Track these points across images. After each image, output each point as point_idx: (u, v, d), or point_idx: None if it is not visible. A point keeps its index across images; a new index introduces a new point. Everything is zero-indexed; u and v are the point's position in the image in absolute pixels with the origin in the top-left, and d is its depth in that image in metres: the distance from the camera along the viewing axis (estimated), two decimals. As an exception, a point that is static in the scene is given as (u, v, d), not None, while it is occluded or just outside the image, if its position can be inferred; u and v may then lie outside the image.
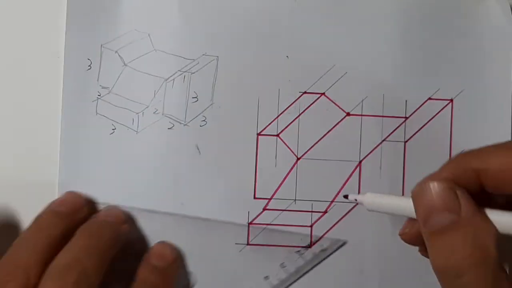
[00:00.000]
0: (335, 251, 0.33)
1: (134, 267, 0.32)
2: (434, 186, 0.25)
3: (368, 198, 0.29)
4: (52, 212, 0.31)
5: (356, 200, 0.30)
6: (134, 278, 0.31)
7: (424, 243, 0.26)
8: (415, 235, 0.28)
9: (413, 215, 0.27)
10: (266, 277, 0.34)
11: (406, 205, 0.27)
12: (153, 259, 0.32)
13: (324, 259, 0.33)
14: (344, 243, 0.33)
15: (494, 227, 0.25)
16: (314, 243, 0.34)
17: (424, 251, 0.29)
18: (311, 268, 0.33)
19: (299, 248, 0.34)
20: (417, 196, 0.26)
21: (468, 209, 0.25)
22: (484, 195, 0.26)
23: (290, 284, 0.34)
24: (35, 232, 0.30)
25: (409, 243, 0.29)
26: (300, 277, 0.34)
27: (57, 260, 0.28)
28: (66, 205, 0.32)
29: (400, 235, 0.30)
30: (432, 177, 0.26)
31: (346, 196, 0.31)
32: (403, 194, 0.34)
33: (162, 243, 0.33)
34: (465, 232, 0.24)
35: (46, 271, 0.27)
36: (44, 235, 0.29)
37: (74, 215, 0.31)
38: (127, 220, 0.33)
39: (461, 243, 0.24)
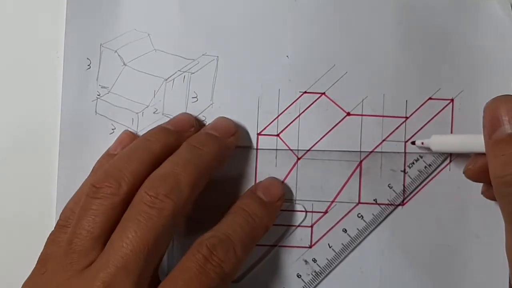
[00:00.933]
0: (439, 165, 0.33)
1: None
2: (505, 100, 0.26)
3: (434, 140, 0.32)
4: (160, 128, 0.32)
5: (422, 143, 0.32)
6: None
7: (486, 179, 0.27)
8: (478, 170, 0.30)
9: (478, 149, 0.29)
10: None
11: (470, 141, 0.30)
12: (259, 191, 0.32)
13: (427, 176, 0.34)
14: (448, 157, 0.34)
15: None
16: (314, 243, 0.34)
17: (486, 191, 0.31)
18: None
19: (302, 249, 0.34)
20: (488, 108, 0.27)
21: None
22: None
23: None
24: (137, 144, 0.31)
25: (472, 179, 0.31)
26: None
27: (156, 170, 0.29)
28: (175, 124, 0.32)
29: (464, 172, 0.31)
30: (506, 94, 0.27)
31: (413, 143, 0.33)
32: (403, 195, 0.34)
33: (272, 178, 0.33)
34: None
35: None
36: (144, 147, 0.30)
37: (181, 133, 0.32)
38: (236, 131, 0.33)
39: None
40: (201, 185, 0.30)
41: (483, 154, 0.28)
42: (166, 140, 0.30)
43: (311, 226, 0.34)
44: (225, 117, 0.33)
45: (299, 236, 0.34)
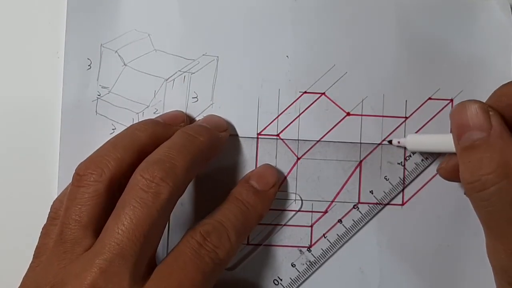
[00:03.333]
0: (435, 159, 0.34)
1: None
2: (470, 106, 0.27)
3: (410, 138, 0.32)
4: (149, 119, 0.32)
5: (399, 142, 0.33)
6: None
7: (459, 179, 0.28)
8: (451, 169, 0.31)
9: (451, 149, 0.28)
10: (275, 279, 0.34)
11: (444, 141, 0.30)
12: (253, 179, 0.32)
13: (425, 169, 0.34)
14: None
15: None
16: (314, 243, 0.34)
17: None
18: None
19: (301, 248, 0.34)
20: (453, 115, 0.28)
21: (497, 129, 0.26)
22: None
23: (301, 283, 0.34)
24: (124, 133, 0.30)
25: (445, 178, 0.32)
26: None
27: (150, 155, 0.29)
28: (165, 117, 0.32)
29: (437, 170, 0.32)
30: (470, 100, 0.28)
31: (390, 142, 0.33)
32: (403, 195, 0.34)
33: (266, 165, 0.33)
34: (492, 149, 0.26)
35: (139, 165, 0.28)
36: (130, 136, 0.30)
37: (170, 126, 0.32)
38: (227, 128, 0.33)
39: (488, 159, 0.26)
40: (195, 172, 0.30)
41: (456, 154, 0.28)
42: (153, 130, 0.30)
43: (311, 226, 0.34)
44: (217, 115, 0.34)
45: (299, 235, 0.34)
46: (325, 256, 0.33)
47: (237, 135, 0.34)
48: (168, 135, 0.30)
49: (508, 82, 0.28)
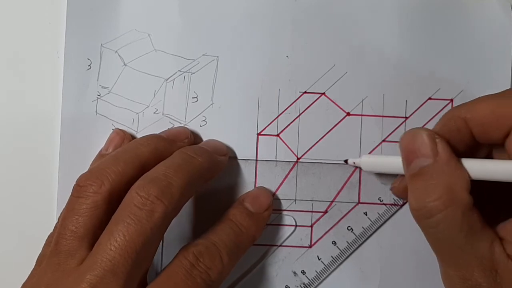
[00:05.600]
0: None
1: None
2: (416, 134, 0.28)
3: (364, 159, 0.32)
4: (153, 134, 0.32)
5: (354, 163, 0.33)
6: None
7: None
8: (402, 189, 0.31)
9: (403, 172, 0.29)
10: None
11: (397, 163, 0.29)
12: (247, 201, 0.32)
13: None
14: None
15: (466, 172, 0.27)
16: (314, 243, 0.34)
17: None
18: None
19: (302, 248, 0.34)
20: (402, 142, 0.28)
21: (444, 155, 0.27)
22: (475, 145, 0.29)
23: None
24: (126, 147, 0.31)
25: (398, 197, 0.33)
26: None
27: (148, 172, 0.29)
28: (169, 133, 0.33)
29: (390, 189, 0.33)
30: (418, 128, 0.29)
31: (346, 161, 0.33)
32: (403, 194, 0.34)
33: (261, 188, 0.34)
34: (438, 176, 0.26)
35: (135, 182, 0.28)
36: (132, 150, 0.30)
37: (174, 142, 0.32)
38: (226, 153, 0.33)
39: (434, 185, 0.26)
40: (192, 192, 0.30)
41: None
42: (156, 145, 0.30)
43: (311, 226, 0.34)
44: (216, 140, 0.34)
45: (299, 236, 0.34)
46: (319, 279, 0.33)
47: (236, 157, 0.34)
48: (171, 151, 0.30)
49: (455, 107, 0.29)
